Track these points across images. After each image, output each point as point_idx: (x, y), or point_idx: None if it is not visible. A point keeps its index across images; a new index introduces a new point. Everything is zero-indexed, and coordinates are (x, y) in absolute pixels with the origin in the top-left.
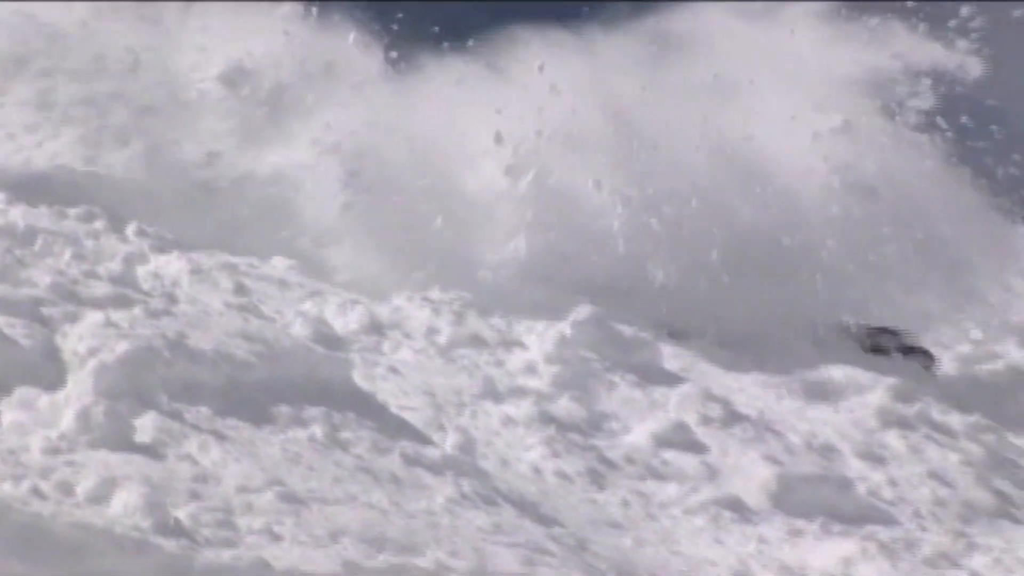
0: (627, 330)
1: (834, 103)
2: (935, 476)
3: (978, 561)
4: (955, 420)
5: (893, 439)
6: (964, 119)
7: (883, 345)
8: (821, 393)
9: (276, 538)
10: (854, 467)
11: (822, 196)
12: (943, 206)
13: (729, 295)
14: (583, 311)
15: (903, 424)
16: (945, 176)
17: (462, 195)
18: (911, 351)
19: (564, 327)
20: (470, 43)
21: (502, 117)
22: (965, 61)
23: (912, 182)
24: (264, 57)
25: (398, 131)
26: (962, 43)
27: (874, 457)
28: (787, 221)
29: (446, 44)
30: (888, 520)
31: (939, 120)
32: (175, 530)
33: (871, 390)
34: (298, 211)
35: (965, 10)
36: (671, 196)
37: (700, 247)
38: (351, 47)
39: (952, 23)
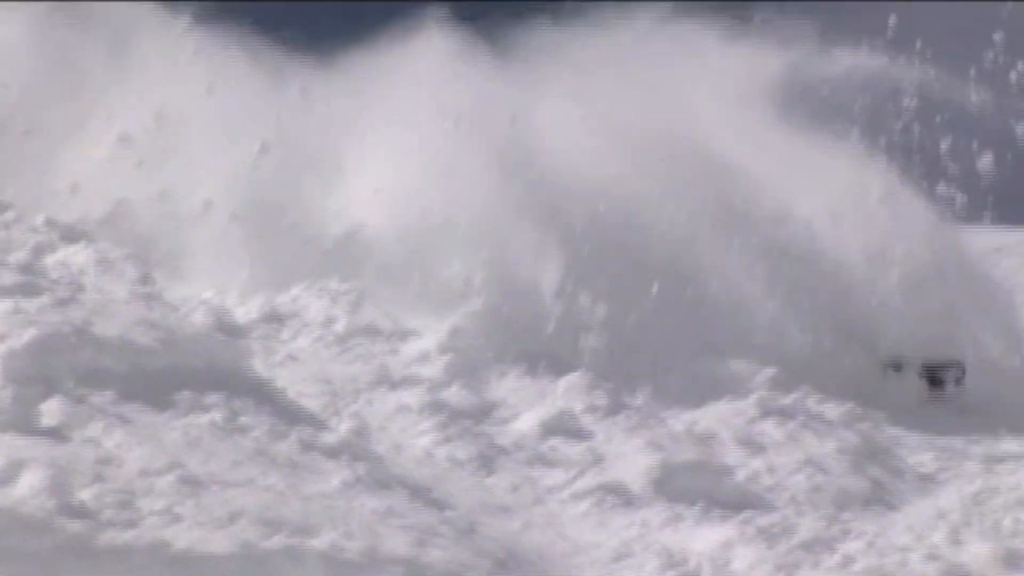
0: (517, 321)
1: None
2: (811, 463)
3: (852, 545)
4: (831, 409)
5: (771, 427)
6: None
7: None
8: (703, 383)
9: (176, 519)
10: (734, 454)
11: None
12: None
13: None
14: (475, 303)
15: (781, 413)
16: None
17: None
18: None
19: (456, 317)
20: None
21: (411, 162)
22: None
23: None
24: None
25: (295, 183)
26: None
27: (753, 445)
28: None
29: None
30: (766, 506)
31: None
32: (79, 511)
33: (751, 380)
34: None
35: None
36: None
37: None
38: (262, 86)
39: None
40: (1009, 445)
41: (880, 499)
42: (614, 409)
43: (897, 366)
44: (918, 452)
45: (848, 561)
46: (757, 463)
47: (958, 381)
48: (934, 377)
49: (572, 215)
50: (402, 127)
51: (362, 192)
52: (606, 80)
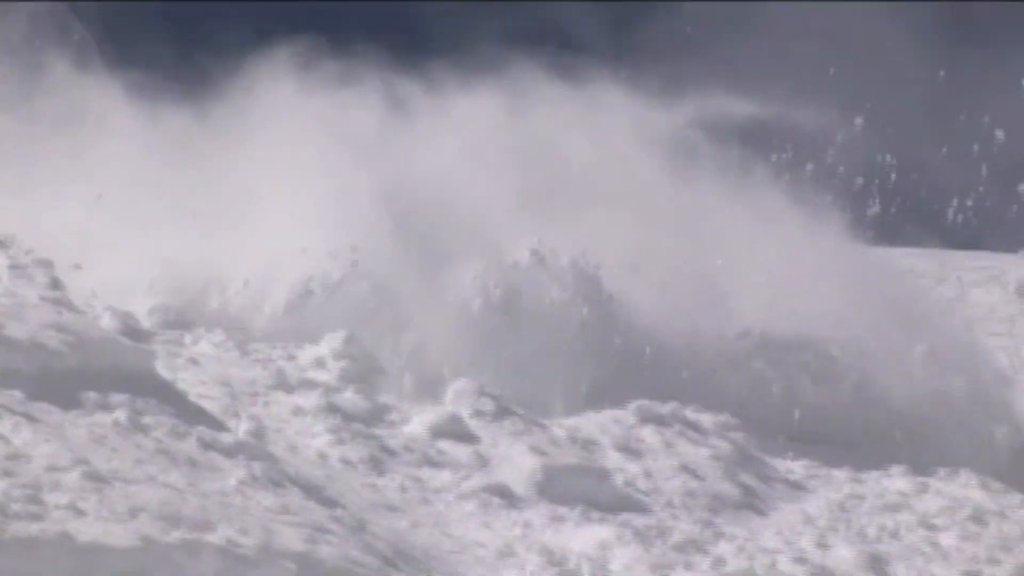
0: (410, 330)
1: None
2: (686, 469)
3: (723, 548)
4: (706, 419)
5: (649, 434)
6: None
7: None
8: (585, 392)
9: (80, 513)
10: (613, 459)
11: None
12: None
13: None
14: (369, 308)
15: (659, 421)
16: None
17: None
18: None
19: (351, 325)
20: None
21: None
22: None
23: None
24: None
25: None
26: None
27: (631, 450)
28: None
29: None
30: (643, 509)
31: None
32: None
33: (630, 389)
34: None
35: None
36: None
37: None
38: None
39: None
40: (874, 456)
41: (751, 504)
42: (500, 414)
43: None
44: (788, 460)
45: (719, 563)
46: (635, 468)
47: None
48: None
49: (465, 258)
50: (290, 178)
51: (260, 246)
52: (497, 130)
